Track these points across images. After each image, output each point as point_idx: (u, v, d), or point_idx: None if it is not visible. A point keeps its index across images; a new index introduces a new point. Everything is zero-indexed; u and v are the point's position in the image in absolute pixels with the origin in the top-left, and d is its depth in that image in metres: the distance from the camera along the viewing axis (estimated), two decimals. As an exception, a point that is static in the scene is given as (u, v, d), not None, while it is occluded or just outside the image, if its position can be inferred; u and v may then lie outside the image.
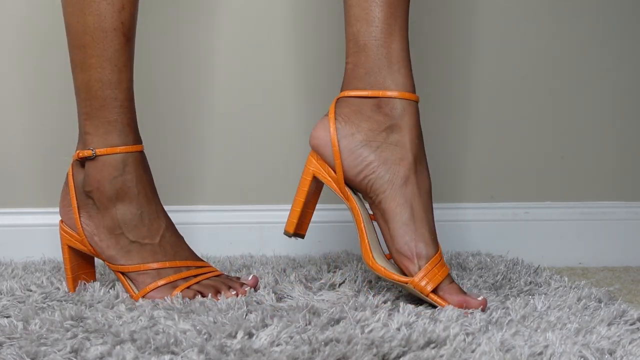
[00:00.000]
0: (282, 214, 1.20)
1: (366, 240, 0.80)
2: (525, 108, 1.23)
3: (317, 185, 0.85)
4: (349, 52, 0.83)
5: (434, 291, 0.76)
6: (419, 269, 0.77)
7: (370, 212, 0.82)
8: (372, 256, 0.79)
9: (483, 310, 0.75)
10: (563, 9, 1.22)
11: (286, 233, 0.85)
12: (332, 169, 0.82)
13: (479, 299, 0.76)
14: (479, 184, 1.23)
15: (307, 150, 1.20)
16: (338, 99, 0.83)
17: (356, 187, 0.82)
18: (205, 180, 1.20)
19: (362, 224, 0.80)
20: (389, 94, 0.81)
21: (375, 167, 0.80)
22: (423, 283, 0.76)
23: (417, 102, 0.82)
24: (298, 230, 0.85)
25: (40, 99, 1.17)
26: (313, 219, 1.18)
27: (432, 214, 0.81)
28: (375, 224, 0.82)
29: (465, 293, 0.77)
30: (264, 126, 1.20)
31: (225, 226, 1.20)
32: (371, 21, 0.81)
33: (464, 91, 1.22)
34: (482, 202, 1.23)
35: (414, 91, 0.82)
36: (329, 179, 0.82)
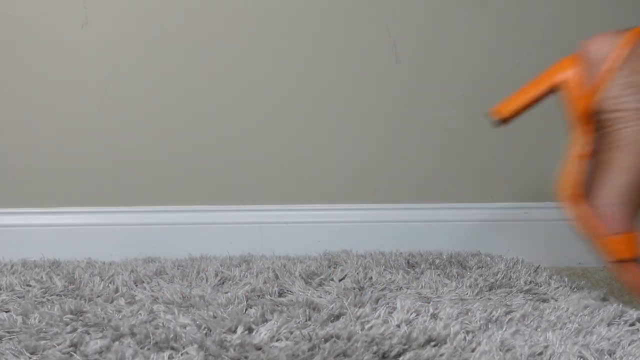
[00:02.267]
0: (282, 214, 1.20)
1: (574, 174, 0.72)
2: (526, 109, 1.23)
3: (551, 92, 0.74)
4: None
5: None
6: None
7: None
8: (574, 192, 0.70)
9: None
10: (562, 8, 1.22)
11: (499, 120, 0.75)
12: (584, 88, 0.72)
13: None
14: (479, 184, 1.23)
15: (307, 150, 1.20)
16: None
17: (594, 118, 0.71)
18: (205, 180, 1.20)
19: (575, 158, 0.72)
20: None
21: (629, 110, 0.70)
22: (617, 247, 0.67)
23: None
24: (512, 117, 0.76)
25: (40, 98, 1.17)
26: (312, 219, 1.18)
27: None
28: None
29: None
30: (263, 126, 1.20)
31: (225, 226, 1.19)
32: None
33: (464, 91, 1.22)
34: (482, 202, 1.23)
35: None
36: (577, 93, 0.73)
